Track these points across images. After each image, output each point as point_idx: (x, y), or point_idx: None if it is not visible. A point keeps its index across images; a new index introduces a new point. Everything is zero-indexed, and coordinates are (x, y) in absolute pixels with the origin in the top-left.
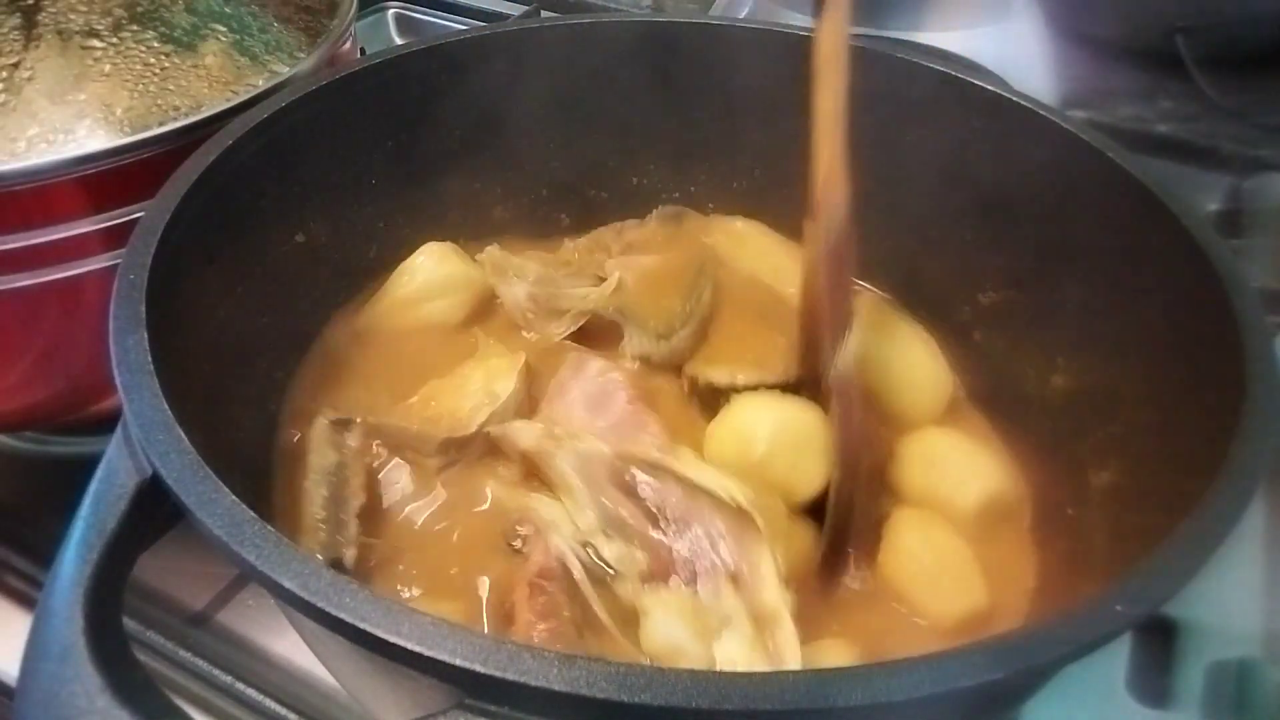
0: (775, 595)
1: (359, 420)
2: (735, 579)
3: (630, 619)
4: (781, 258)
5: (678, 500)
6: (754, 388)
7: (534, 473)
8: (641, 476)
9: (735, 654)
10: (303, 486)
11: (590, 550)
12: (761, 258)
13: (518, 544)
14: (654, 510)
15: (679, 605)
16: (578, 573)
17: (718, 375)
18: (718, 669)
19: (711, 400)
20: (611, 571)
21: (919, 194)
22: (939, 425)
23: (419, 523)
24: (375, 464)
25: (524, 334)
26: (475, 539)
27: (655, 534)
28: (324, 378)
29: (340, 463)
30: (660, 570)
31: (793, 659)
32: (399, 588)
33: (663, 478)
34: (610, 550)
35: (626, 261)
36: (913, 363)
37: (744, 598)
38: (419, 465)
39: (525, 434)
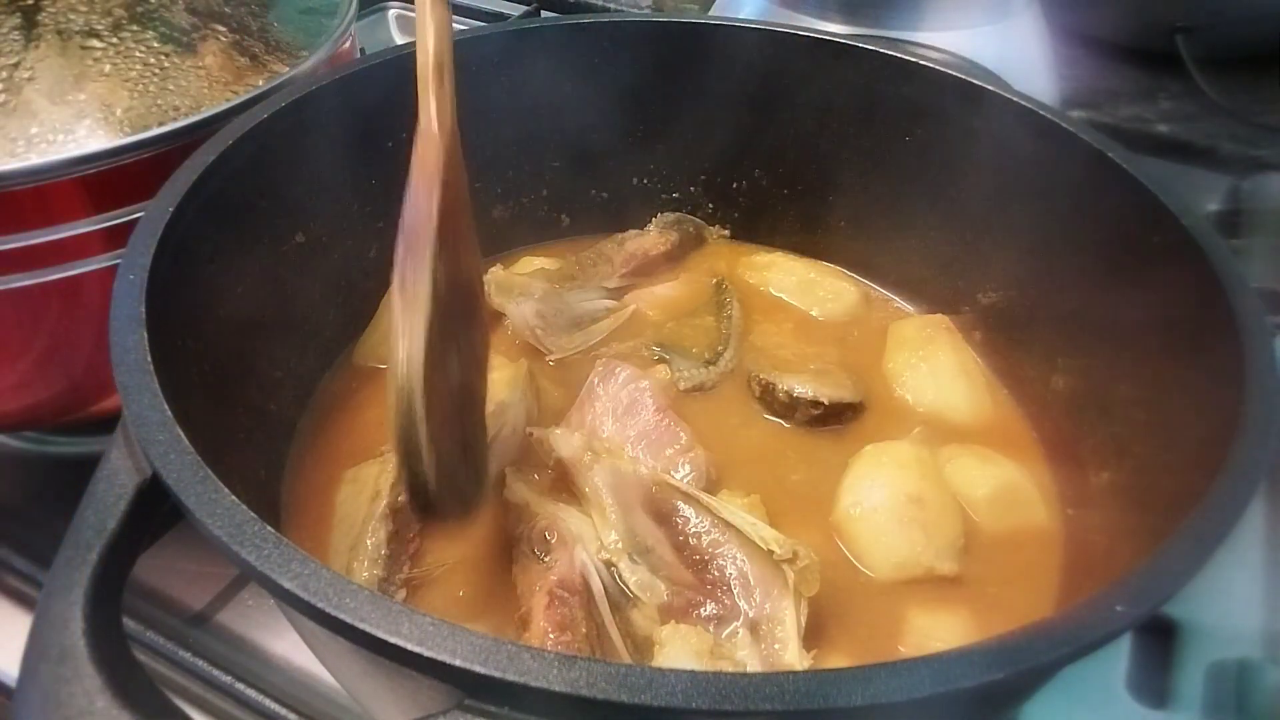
0: (794, 657)
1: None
2: (754, 628)
3: (643, 646)
4: (794, 273)
5: (709, 535)
6: (837, 403)
7: (566, 483)
8: (677, 505)
9: None
10: (368, 512)
11: (614, 571)
12: (765, 270)
13: (541, 552)
14: (683, 540)
15: (696, 644)
16: (598, 590)
17: (801, 388)
18: None
19: (786, 409)
20: (631, 596)
21: (919, 194)
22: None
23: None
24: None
25: (539, 351)
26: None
27: (681, 568)
28: (330, 419)
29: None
30: (681, 605)
31: None
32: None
33: (698, 510)
34: (634, 576)
35: (641, 295)
36: (956, 383)
37: (760, 650)
38: None
39: (564, 443)
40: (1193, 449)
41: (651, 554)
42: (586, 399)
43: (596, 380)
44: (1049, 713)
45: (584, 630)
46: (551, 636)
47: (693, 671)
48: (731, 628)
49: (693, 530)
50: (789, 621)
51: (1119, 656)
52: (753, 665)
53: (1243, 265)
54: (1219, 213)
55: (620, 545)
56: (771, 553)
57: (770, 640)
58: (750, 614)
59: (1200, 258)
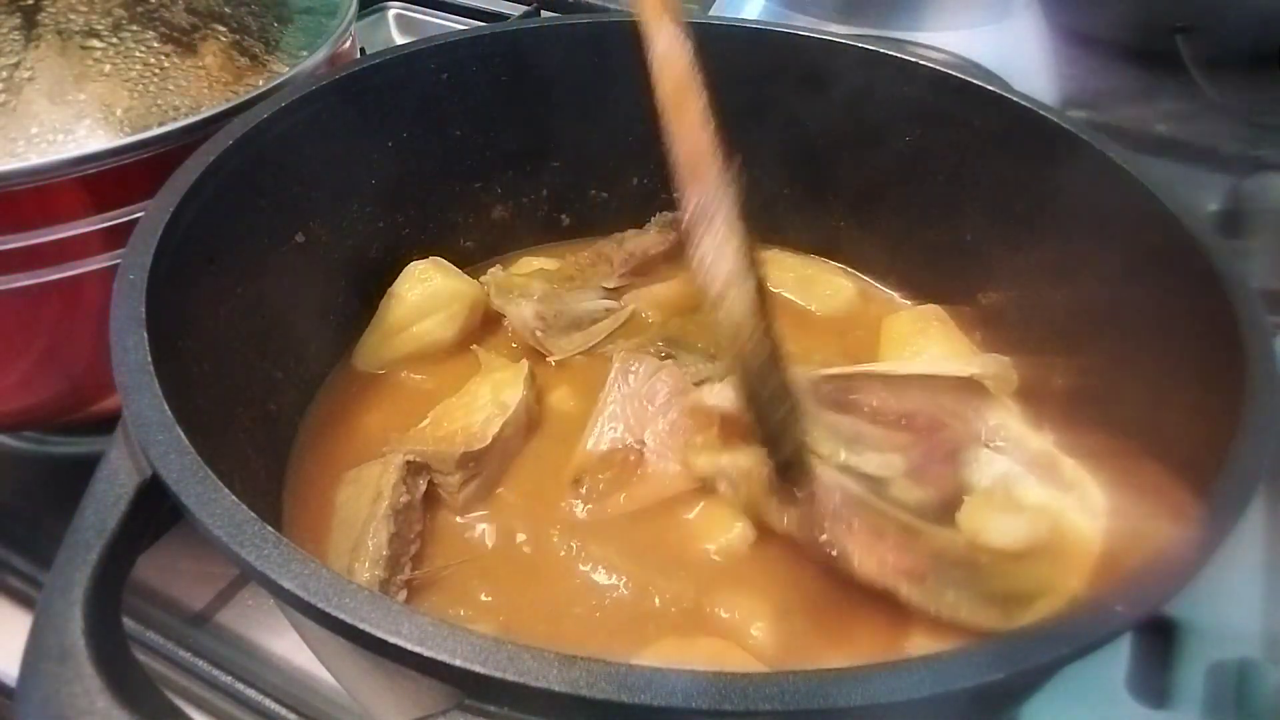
0: (1037, 441)
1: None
2: (989, 443)
3: (929, 511)
4: (792, 269)
5: (893, 396)
6: None
7: (734, 431)
8: (846, 388)
9: (1042, 498)
10: (369, 513)
11: (851, 471)
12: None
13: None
14: (875, 412)
15: (1001, 500)
16: (860, 492)
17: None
18: (1033, 522)
19: None
20: (881, 480)
21: (918, 194)
22: None
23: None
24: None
25: (539, 352)
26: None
27: (894, 434)
28: (331, 419)
29: (410, 504)
30: (921, 461)
31: (1091, 482)
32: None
33: (867, 381)
34: (868, 463)
35: (640, 294)
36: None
37: (1011, 455)
38: (442, 485)
39: (719, 397)
40: (1193, 449)
41: (861, 439)
42: (615, 397)
43: (618, 378)
44: (1049, 713)
45: (894, 524)
46: (882, 547)
47: (693, 671)
48: (973, 454)
49: (876, 400)
50: (1011, 420)
51: (1119, 656)
52: (1013, 471)
53: (1243, 265)
54: (1219, 213)
55: (835, 447)
56: (959, 377)
57: (1014, 442)
58: (979, 432)
59: (1200, 258)
